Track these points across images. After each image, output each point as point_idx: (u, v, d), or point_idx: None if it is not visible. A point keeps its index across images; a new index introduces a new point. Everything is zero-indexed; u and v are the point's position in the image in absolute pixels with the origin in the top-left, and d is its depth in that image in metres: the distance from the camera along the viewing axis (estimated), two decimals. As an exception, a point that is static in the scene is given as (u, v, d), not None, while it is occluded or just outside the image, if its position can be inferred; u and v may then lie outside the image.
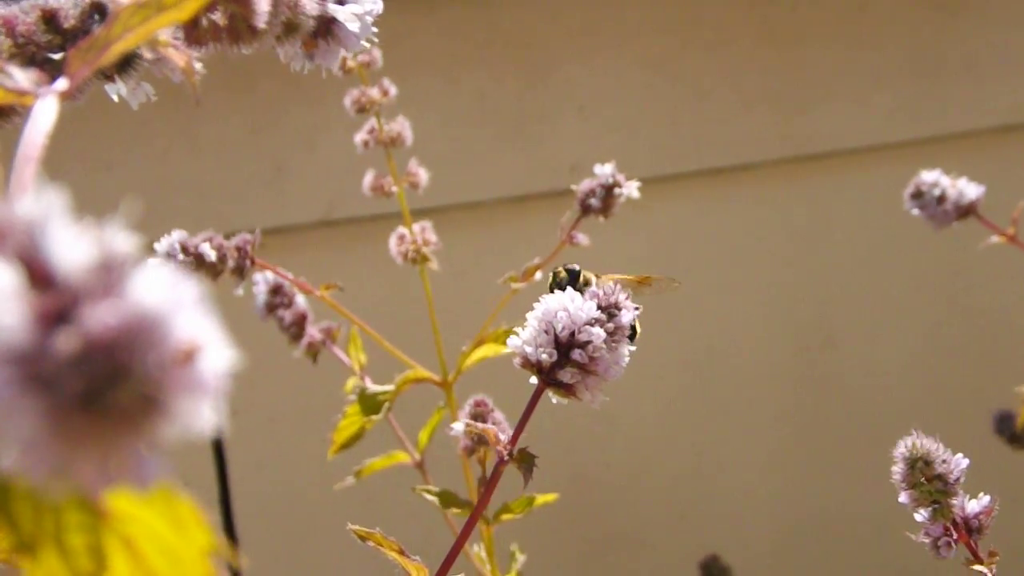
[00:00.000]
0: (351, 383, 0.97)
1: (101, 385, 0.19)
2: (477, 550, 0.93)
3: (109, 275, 0.20)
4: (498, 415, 0.85)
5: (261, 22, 0.37)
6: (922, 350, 1.66)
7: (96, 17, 0.39)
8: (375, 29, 0.43)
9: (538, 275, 0.91)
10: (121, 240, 0.20)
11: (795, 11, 1.59)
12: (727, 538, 1.60)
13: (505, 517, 0.87)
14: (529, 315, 0.56)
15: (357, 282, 1.40)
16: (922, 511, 0.62)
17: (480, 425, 0.59)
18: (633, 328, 0.57)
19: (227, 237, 0.87)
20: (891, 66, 1.62)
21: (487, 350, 0.91)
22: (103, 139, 1.37)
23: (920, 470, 0.61)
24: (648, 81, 1.56)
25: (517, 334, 0.56)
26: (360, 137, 1.00)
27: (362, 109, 1.00)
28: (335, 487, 1.01)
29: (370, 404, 0.90)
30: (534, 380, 0.57)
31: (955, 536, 0.61)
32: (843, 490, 1.63)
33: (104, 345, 0.19)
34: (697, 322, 1.60)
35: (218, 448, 1.45)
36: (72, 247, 0.20)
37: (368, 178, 1.02)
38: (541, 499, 0.88)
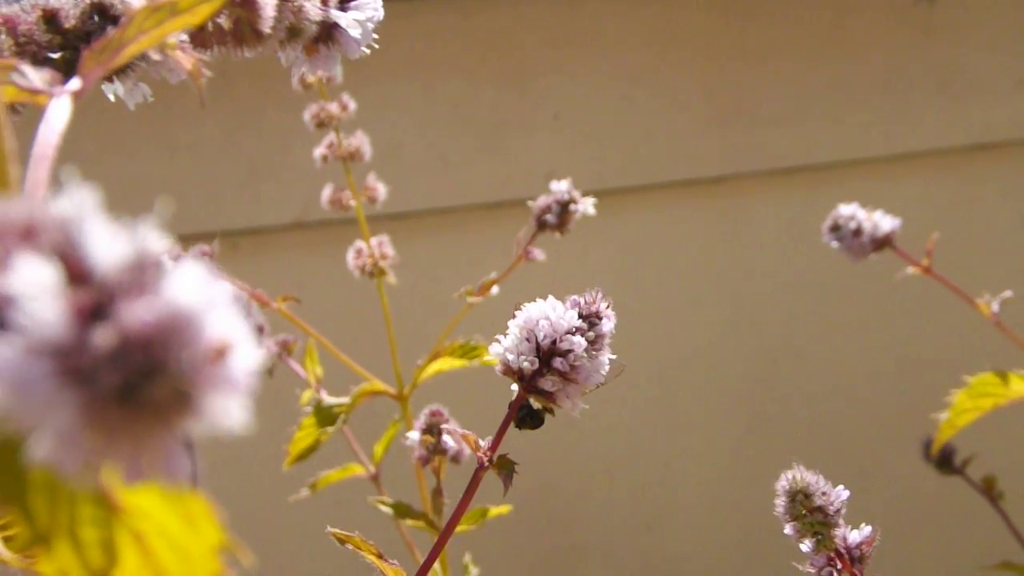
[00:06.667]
0: (307, 395, 0.97)
1: (136, 380, 0.19)
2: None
3: (144, 273, 0.20)
4: (453, 425, 0.85)
5: (266, 27, 0.38)
6: (887, 366, 1.68)
7: (96, 18, 0.39)
8: (375, 36, 0.43)
9: (494, 289, 0.91)
10: (154, 239, 0.21)
11: (771, 27, 1.61)
12: (693, 549, 1.61)
13: (457, 529, 0.87)
14: (511, 323, 0.56)
15: (330, 284, 1.40)
16: (806, 542, 0.63)
17: (460, 431, 0.59)
18: (541, 416, 0.57)
19: (201, 238, 0.87)
20: (865, 83, 1.64)
21: (443, 364, 0.91)
22: (77, 135, 1.36)
23: (801, 503, 0.63)
24: (623, 92, 1.57)
25: (486, 347, 0.56)
26: (319, 151, 1.01)
27: (321, 124, 1.01)
28: (290, 499, 1.01)
29: (325, 416, 0.90)
30: (515, 387, 0.57)
31: (839, 566, 0.63)
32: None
33: (140, 341, 0.19)
34: (666, 333, 1.61)
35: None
36: (108, 245, 0.20)
37: (326, 192, 1.03)
38: (494, 511, 0.88)
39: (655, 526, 1.62)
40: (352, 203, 1.01)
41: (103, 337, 0.19)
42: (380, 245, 1.00)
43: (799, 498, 0.64)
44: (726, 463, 1.64)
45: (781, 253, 1.65)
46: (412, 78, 1.49)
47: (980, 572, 1.21)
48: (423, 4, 1.49)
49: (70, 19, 0.40)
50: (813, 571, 0.64)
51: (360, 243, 1.00)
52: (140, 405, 0.19)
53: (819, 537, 0.63)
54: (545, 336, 0.55)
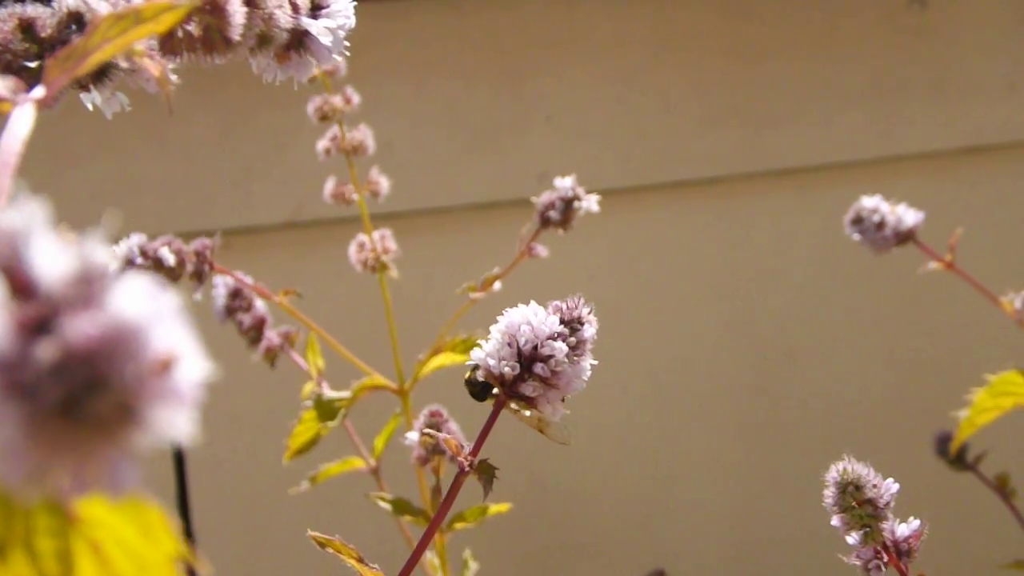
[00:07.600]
0: (308, 388, 0.97)
1: (79, 394, 0.19)
2: (430, 556, 0.93)
3: (89, 286, 0.20)
4: (453, 426, 0.85)
5: (235, 34, 0.37)
6: (880, 367, 1.68)
7: (73, 27, 0.39)
8: (347, 43, 0.43)
9: (497, 285, 0.91)
10: (101, 251, 0.21)
11: (765, 29, 1.61)
12: (685, 549, 1.61)
13: (458, 526, 0.88)
14: (493, 328, 0.56)
15: (323, 284, 1.40)
16: (853, 534, 0.63)
17: (442, 435, 0.59)
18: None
19: (194, 237, 0.87)
20: (858, 85, 1.64)
21: (444, 359, 0.91)
22: (72, 134, 1.36)
23: (851, 494, 0.63)
24: (617, 93, 1.57)
25: (479, 345, 0.56)
26: (322, 144, 1.01)
27: (325, 117, 1.00)
28: (290, 491, 1.01)
29: (326, 410, 0.90)
30: (496, 391, 0.57)
31: (885, 559, 0.63)
32: (800, 503, 1.64)
33: (83, 355, 0.19)
34: (659, 334, 1.61)
35: (177, 447, 1.44)
36: (54, 258, 0.20)
37: (329, 185, 1.02)
38: (495, 508, 0.88)
39: (647, 526, 1.62)
40: (355, 197, 1.01)
41: (46, 351, 0.19)
42: (382, 239, 1.00)
43: (850, 490, 0.63)
44: (720, 462, 1.64)
45: (775, 254, 1.65)
46: (405, 78, 1.49)
47: (988, 572, 1.21)
48: (416, 4, 1.49)
49: (47, 28, 0.40)
50: (859, 564, 0.64)
51: (362, 237, 0.99)
52: (83, 419, 0.19)
53: (867, 530, 0.63)
54: (526, 341, 0.55)
